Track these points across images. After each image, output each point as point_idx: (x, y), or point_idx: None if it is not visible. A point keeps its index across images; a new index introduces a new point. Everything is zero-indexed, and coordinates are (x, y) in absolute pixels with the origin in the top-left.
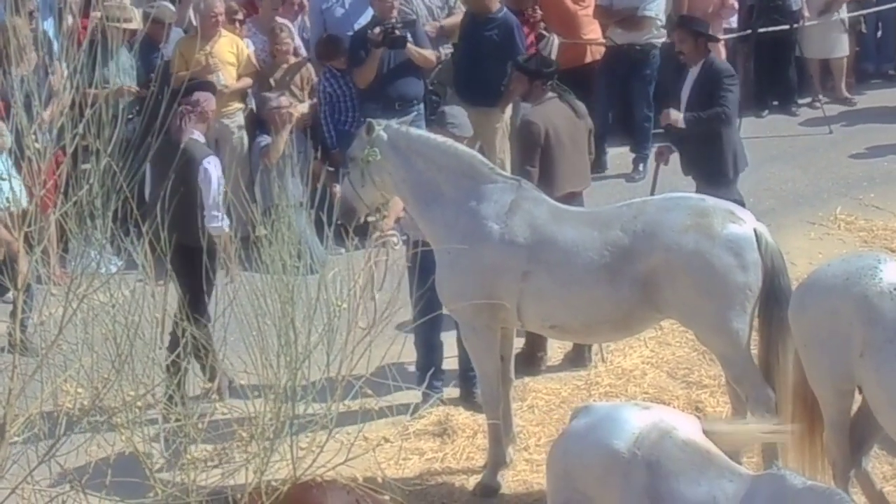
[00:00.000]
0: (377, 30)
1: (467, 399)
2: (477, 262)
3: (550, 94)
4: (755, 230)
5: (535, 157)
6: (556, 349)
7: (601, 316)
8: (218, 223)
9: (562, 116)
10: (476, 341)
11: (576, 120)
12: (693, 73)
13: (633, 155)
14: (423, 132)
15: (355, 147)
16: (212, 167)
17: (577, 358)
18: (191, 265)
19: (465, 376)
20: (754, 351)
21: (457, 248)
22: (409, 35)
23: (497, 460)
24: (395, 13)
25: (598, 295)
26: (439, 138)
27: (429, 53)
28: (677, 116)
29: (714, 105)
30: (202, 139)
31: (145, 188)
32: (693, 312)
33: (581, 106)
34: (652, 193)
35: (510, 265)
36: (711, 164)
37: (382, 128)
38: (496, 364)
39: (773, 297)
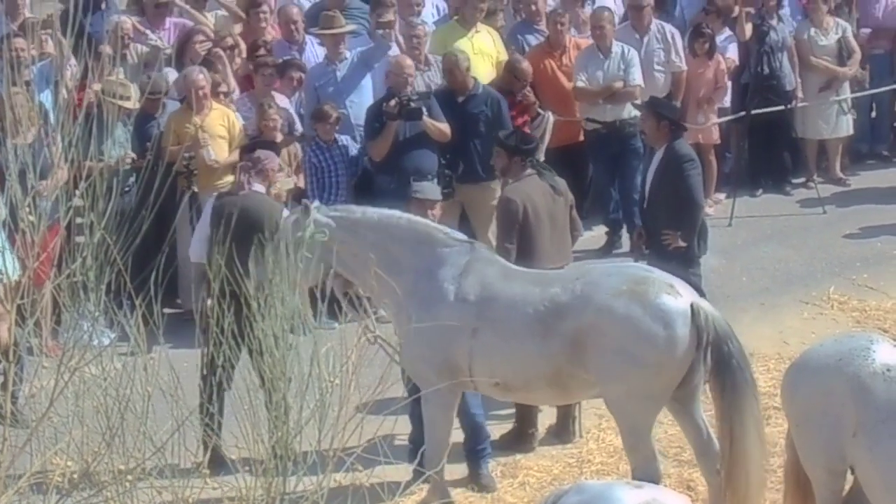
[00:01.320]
0: (393, 102)
1: (474, 478)
2: (433, 322)
3: (529, 170)
4: (692, 304)
5: (514, 234)
6: (543, 424)
7: (535, 371)
8: None
9: (540, 193)
10: (435, 403)
11: (555, 196)
12: (658, 155)
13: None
14: (366, 208)
15: (286, 235)
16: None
17: (562, 432)
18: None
19: (473, 453)
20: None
21: (416, 313)
22: (424, 107)
23: None
24: (409, 87)
25: (531, 349)
26: (386, 211)
27: (444, 126)
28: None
29: (677, 191)
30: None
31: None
32: (613, 376)
33: (560, 182)
34: None
35: (462, 323)
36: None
37: (316, 210)
38: (448, 428)
39: (724, 364)
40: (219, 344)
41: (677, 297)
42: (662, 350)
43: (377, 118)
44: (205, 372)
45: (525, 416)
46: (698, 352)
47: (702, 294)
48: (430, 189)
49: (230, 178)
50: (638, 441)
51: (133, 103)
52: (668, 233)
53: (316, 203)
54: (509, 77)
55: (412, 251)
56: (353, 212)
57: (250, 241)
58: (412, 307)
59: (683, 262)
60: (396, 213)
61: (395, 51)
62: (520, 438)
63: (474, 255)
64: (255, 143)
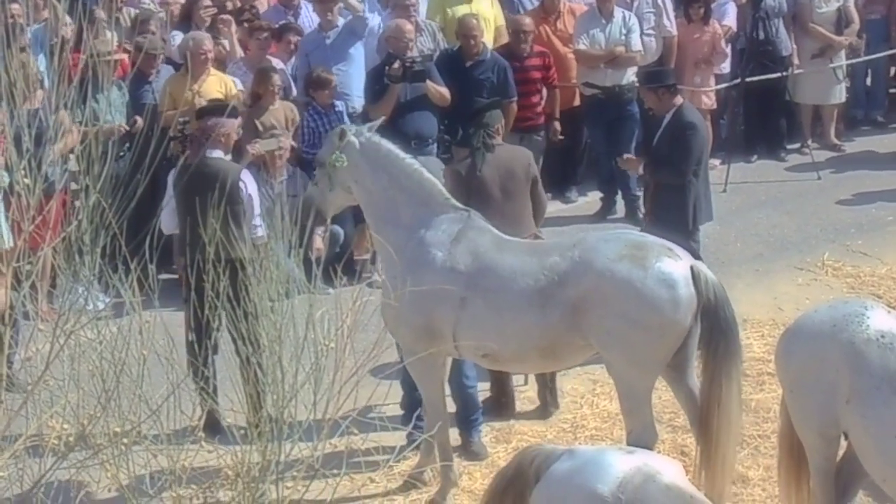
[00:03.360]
0: (396, 65)
1: (465, 446)
2: (418, 286)
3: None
4: (692, 267)
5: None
6: (526, 396)
7: (530, 343)
8: (262, 233)
9: (493, 165)
10: (418, 367)
11: (512, 169)
12: (667, 118)
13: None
14: (394, 148)
15: (324, 151)
16: (249, 181)
17: (544, 410)
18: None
19: (465, 422)
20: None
21: (401, 275)
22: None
23: (447, 483)
24: (409, 51)
25: (528, 321)
26: (408, 158)
27: (444, 91)
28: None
29: (672, 158)
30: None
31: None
32: (616, 340)
33: (520, 155)
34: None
35: (448, 292)
36: (671, 212)
37: (354, 133)
38: (440, 390)
39: (718, 328)
40: (212, 308)
41: (677, 259)
42: (666, 313)
43: (378, 81)
44: (190, 338)
45: (499, 386)
46: (696, 316)
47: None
48: (432, 172)
49: None
50: (637, 405)
51: (121, 55)
52: (630, 157)
53: (357, 129)
54: (514, 37)
55: (412, 209)
56: (380, 146)
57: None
58: (399, 266)
59: (681, 231)
60: (414, 163)
61: (375, 19)
62: (497, 407)
63: (468, 224)
64: (206, 109)
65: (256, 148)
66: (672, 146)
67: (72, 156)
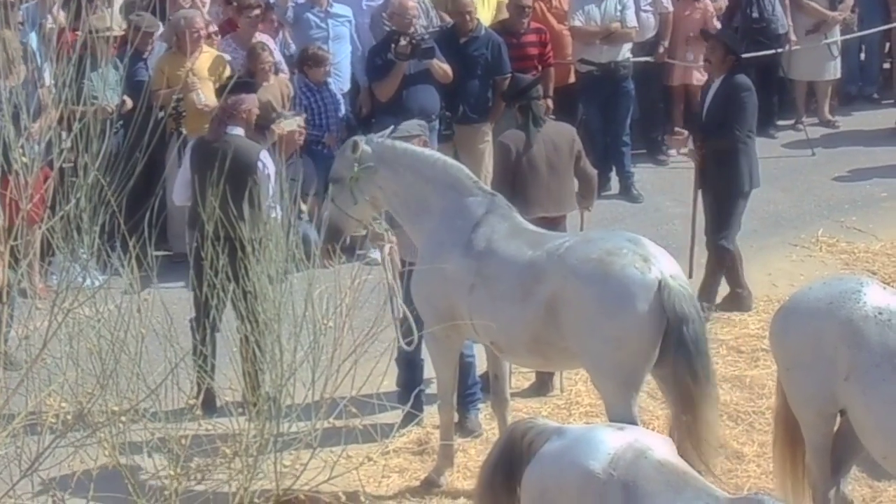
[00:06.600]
0: (403, 42)
1: (460, 422)
2: (441, 272)
3: (522, 119)
4: (660, 281)
5: (506, 178)
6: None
7: (514, 335)
8: (275, 214)
9: (541, 140)
10: (435, 348)
11: (558, 144)
12: (715, 84)
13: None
14: (407, 145)
15: (340, 168)
16: (267, 161)
17: (541, 387)
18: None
19: (461, 397)
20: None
21: (430, 257)
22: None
23: (444, 462)
24: (413, 28)
25: (512, 312)
26: (426, 151)
27: (447, 68)
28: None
29: (728, 119)
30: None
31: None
32: (580, 346)
33: (565, 131)
34: None
35: (463, 277)
36: (728, 177)
37: (365, 142)
38: (453, 372)
39: (677, 346)
40: (211, 286)
41: (645, 272)
42: (620, 325)
43: (379, 57)
44: (195, 314)
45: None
46: (663, 331)
47: (733, 229)
48: (409, 126)
49: None
50: (618, 419)
51: (119, 30)
52: (679, 131)
53: (366, 138)
54: (514, 11)
55: (441, 194)
56: (395, 147)
57: (231, 185)
58: (431, 250)
59: (734, 196)
60: (434, 153)
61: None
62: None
63: (491, 208)
64: (237, 84)
65: (281, 127)
66: (726, 109)
67: (64, 133)
